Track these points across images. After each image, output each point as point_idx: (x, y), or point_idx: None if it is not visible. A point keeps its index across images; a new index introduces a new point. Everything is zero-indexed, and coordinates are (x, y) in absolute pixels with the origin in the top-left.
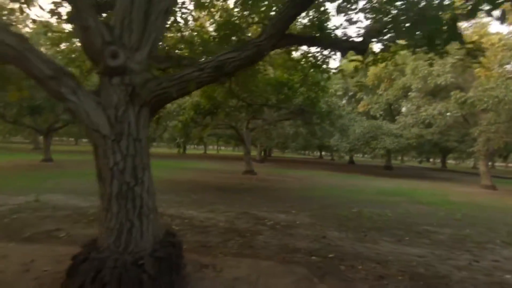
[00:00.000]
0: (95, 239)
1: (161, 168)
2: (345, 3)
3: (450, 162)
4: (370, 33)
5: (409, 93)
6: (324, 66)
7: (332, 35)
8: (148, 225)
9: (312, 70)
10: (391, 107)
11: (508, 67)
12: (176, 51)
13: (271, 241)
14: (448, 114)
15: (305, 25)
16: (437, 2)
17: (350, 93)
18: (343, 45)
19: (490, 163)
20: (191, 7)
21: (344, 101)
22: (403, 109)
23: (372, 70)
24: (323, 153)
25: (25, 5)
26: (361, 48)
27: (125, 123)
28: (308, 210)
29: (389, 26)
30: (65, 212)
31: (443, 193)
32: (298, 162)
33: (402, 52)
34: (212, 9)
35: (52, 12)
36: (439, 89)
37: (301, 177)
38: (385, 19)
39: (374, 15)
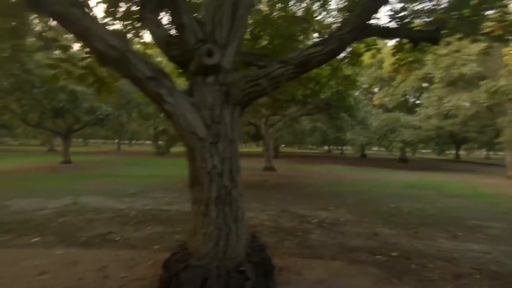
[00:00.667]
0: (182, 244)
1: (178, 167)
2: None
3: (461, 153)
4: (443, 23)
5: (427, 84)
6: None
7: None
8: (242, 229)
9: (344, 62)
10: (406, 99)
11: None
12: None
13: (326, 240)
14: (467, 104)
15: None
16: None
17: (364, 86)
18: (417, 35)
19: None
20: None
21: (357, 94)
22: (423, 100)
23: (388, 61)
24: (330, 147)
25: None
26: (435, 37)
27: (221, 124)
28: (344, 206)
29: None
30: (108, 215)
31: (471, 185)
32: (309, 157)
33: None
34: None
35: (108, 12)
36: (461, 79)
37: (320, 172)
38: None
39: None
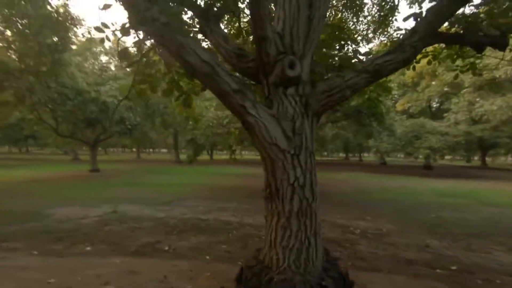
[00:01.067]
0: (255, 257)
1: (202, 175)
2: None
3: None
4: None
5: (448, 89)
6: None
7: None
8: (319, 243)
9: None
10: (429, 105)
11: None
12: None
13: (377, 252)
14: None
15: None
16: None
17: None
18: (484, 41)
19: None
20: None
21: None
22: (452, 106)
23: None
24: (348, 154)
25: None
26: (502, 42)
27: (303, 135)
28: (382, 216)
29: None
30: (149, 223)
31: (507, 193)
32: (328, 164)
33: None
34: None
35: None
36: (492, 83)
37: (344, 179)
38: None
39: None
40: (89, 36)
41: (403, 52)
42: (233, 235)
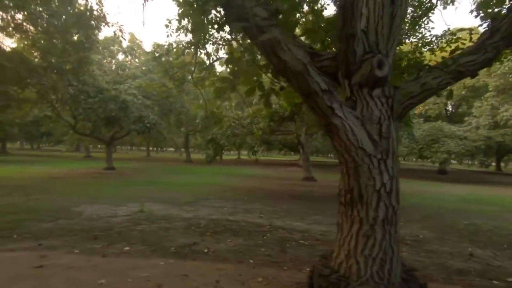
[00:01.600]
0: (325, 264)
1: (216, 175)
2: None
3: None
4: None
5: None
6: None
7: None
8: (399, 251)
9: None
10: (446, 109)
11: None
12: None
13: (423, 260)
14: None
15: None
16: None
17: None
18: None
19: None
20: None
21: None
22: (474, 110)
23: None
24: None
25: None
26: None
27: (390, 139)
28: (413, 221)
29: None
30: (180, 224)
31: None
32: (334, 166)
33: None
34: None
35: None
36: None
37: None
38: None
39: None
40: (120, 34)
41: (485, 52)
42: (268, 238)
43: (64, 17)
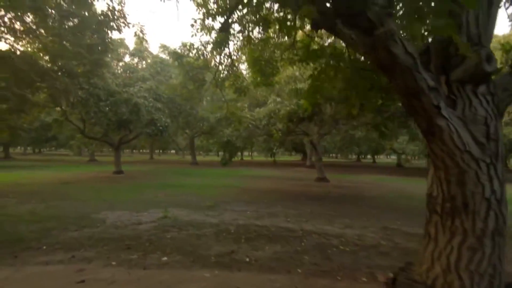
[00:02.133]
0: (412, 278)
1: (227, 177)
2: None
3: None
4: None
5: None
6: None
7: None
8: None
9: None
10: None
11: None
12: None
13: None
14: None
15: None
16: None
17: None
18: None
19: None
20: None
21: None
22: None
23: None
24: (361, 156)
25: None
26: None
27: (498, 141)
28: None
29: None
30: (209, 230)
31: None
32: (344, 166)
33: None
34: None
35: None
36: None
37: (373, 182)
38: None
39: None
40: (141, 35)
41: None
42: (306, 244)
43: (77, 19)
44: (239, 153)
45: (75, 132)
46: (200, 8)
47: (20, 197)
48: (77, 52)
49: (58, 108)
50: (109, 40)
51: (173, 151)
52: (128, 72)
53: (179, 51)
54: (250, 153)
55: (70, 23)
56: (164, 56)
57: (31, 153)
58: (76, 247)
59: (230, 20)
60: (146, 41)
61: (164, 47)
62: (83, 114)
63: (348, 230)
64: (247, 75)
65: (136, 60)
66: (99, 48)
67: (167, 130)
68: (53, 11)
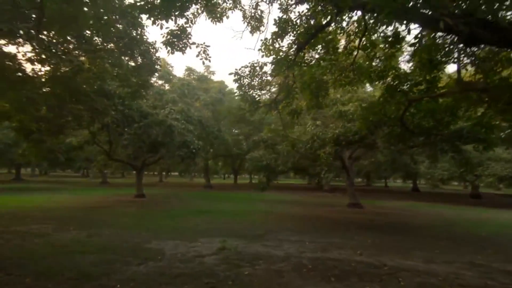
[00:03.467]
0: None
1: (253, 202)
2: None
3: None
4: None
5: None
6: None
7: None
8: None
9: None
10: None
11: None
12: None
13: None
14: None
15: None
16: None
17: None
18: None
19: None
20: None
21: None
22: None
23: None
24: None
25: None
26: None
27: None
28: None
29: None
30: (283, 265)
31: None
32: (360, 191)
33: None
34: None
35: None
36: None
37: (407, 209)
38: None
39: None
40: (204, 56)
41: None
42: (406, 284)
43: (127, 39)
44: (247, 176)
45: (96, 155)
46: (269, 53)
47: (55, 224)
48: (121, 74)
49: (86, 131)
50: (158, 61)
51: (175, 173)
52: (156, 94)
53: (237, 71)
54: (310, 179)
55: (115, 44)
56: (188, 78)
57: (37, 175)
58: (153, 285)
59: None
60: (209, 60)
61: (190, 70)
62: (115, 136)
63: (435, 266)
64: (298, 97)
65: (161, 82)
66: (149, 69)
67: (198, 152)
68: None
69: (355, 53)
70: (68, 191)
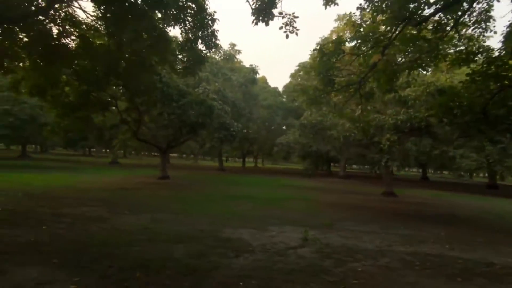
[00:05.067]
0: None
1: (277, 187)
2: None
3: None
4: None
5: None
6: None
7: None
8: None
9: None
10: None
11: None
12: None
13: None
14: None
15: None
16: None
17: None
18: None
19: None
20: None
21: None
22: None
23: None
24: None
25: None
26: None
27: None
28: None
29: None
30: (388, 260)
31: None
32: (370, 178)
33: None
34: None
35: None
36: None
37: (437, 198)
38: None
39: None
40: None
41: None
42: None
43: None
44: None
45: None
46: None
47: (103, 207)
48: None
49: (114, 108)
50: (216, 32)
51: (173, 154)
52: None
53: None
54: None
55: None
56: (216, 57)
57: (37, 152)
58: (276, 283)
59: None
60: (296, 34)
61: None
62: (153, 115)
63: None
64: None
65: None
66: (209, 42)
67: (238, 135)
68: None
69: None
70: (84, 171)
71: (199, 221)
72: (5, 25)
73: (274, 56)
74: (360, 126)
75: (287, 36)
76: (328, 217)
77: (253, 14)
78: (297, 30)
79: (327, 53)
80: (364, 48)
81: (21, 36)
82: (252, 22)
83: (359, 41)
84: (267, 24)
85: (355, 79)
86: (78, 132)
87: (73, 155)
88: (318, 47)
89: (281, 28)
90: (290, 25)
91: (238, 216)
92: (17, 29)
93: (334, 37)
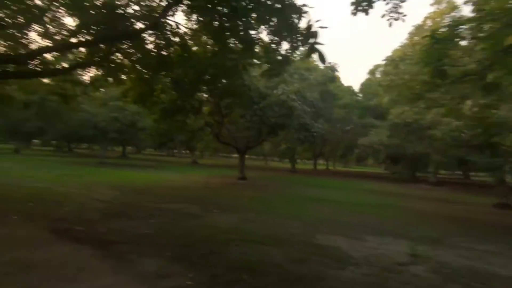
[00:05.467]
0: None
1: (355, 191)
2: None
3: None
4: None
5: None
6: None
7: None
8: None
9: None
10: None
11: None
12: None
13: None
14: None
15: None
16: None
17: None
18: None
19: None
20: None
21: None
22: None
23: None
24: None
25: None
26: None
27: None
28: None
29: None
30: None
31: None
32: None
33: None
34: None
35: None
36: None
37: None
38: None
39: None
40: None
41: None
42: None
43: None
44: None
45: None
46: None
47: (195, 204)
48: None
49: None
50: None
51: (223, 154)
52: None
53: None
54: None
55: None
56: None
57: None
58: None
59: None
60: (403, 20)
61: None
62: (236, 117)
63: None
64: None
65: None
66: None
67: (318, 136)
68: None
69: None
70: (171, 170)
71: (286, 223)
72: (125, 40)
73: (342, 55)
74: (475, 124)
75: (389, 25)
76: (431, 230)
77: (352, 3)
78: (404, 16)
79: (441, 40)
80: (486, 30)
81: (131, 51)
82: (352, 13)
83: (483, 22)
84: (367, 13)
85: (475, 68)
86: (174, 135)
87: (160, 156)
88: (429, 34)
89: (383, 16)
90: (395, 11)
91: (327, 220)
92: (130, 44)
93: (429, 24)
